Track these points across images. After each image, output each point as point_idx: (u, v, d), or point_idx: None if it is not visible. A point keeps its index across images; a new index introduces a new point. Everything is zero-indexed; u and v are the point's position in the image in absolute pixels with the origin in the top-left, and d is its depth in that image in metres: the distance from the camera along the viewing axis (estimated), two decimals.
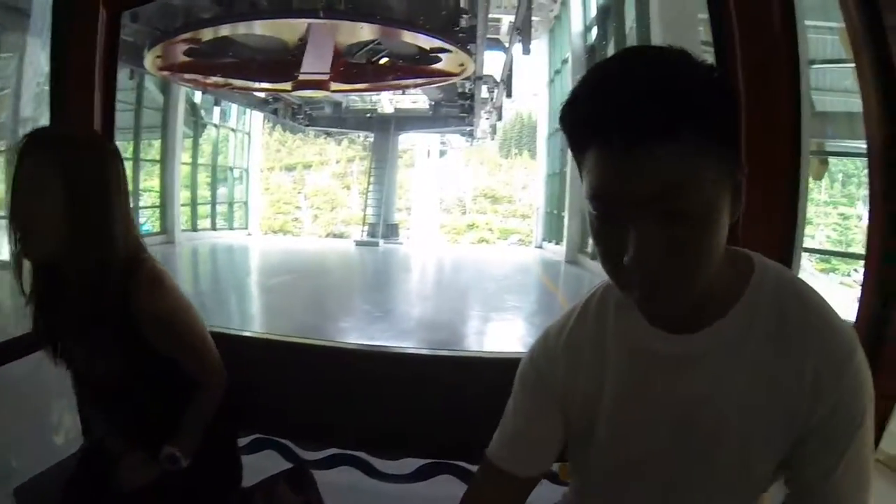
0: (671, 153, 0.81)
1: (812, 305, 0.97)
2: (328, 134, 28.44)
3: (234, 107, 23.27)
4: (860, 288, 1.78)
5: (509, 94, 16.09)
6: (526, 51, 12.17)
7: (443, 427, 1.91)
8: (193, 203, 21.44)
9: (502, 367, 1.87)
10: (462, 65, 12.14)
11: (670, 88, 0.82)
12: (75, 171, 1.50)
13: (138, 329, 1.57)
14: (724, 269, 0.97)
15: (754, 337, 0.97)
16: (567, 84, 18.82)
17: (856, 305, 1.75)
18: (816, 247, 14.36)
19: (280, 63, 12.38)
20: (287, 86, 13.66)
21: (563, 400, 1.12)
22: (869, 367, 0.95)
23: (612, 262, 0.89)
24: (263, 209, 38.77)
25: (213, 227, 22.91)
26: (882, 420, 1.42)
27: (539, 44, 21.85)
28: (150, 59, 11.80)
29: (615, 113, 0.82)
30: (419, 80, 14.19)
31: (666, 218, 0.84)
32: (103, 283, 1.54)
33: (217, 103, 21.27)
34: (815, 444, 0.95)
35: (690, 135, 0.81)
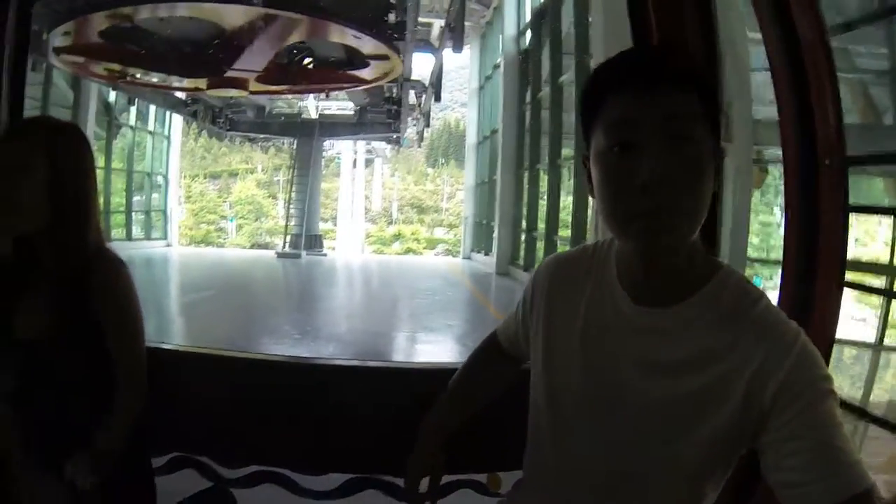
0: (677, 94, 1.07)
1: (765, 304, 1.13)
2: (252, 140, 27.29)
3: (153, 108, 21.97)
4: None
5: (438, 98, 15.58)
6: (458, 49, 11.69)
7: (367, 440, 1.91)
8: (106, 211, 20.01)
9: (427, 377, 2.00)
10: (384, 55, 11.21)
11: (680, 59, 1.20)
12: (64, 157, 1.64)
13: (92, 309, 1.62)
14: (698, 260, 1.16)
15: (705, 324, 1.12)
16: (499, 89, 18.64)
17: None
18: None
19: (198, 57, 11.35)
20: (202, 83, 12.55)
21: (529, 317, 1.37)
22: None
23: (623, 193, 1.06)
24: (185, 218, 37.48)
25: (129, 237, 21.57)
26: None
27: (469, 51, 21.68)
28: (51, 46, 10.38)
29: (643, 63, 1.13)
30: (344, 83, 13.41)
31: (673, 141, 1.04)
32: (77, 259, 1.63)
33: (132, 103, 19.96)
34: (787, 424, 1.02)
35: (690, 88, 1.09)
